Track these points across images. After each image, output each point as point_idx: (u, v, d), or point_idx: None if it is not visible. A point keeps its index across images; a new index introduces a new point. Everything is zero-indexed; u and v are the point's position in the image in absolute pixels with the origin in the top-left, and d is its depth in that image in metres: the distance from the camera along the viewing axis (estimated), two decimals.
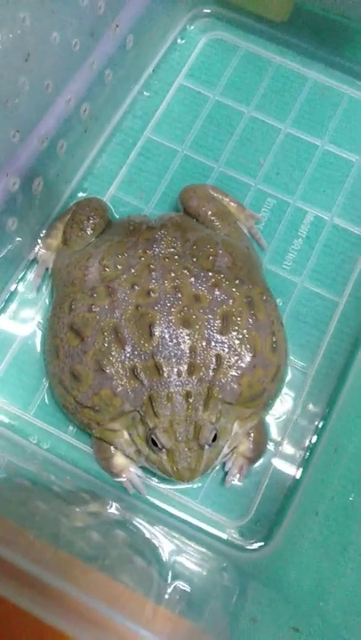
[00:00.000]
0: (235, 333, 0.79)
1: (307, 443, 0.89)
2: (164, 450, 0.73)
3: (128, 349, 0.77)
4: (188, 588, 0.73)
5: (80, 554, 0.64)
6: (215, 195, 0.95)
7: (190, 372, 0.76)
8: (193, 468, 0.73)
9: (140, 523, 0.78)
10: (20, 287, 0.95)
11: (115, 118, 1.04)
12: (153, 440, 0.74)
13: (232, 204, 0.97)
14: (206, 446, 0.74)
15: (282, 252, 0.99)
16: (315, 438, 0.89)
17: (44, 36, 0.73)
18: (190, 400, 0.75)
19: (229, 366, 0.77)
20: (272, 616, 0.76)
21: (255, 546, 0.85)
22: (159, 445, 0.73)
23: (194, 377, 0.76)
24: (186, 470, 0.73)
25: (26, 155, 0.79)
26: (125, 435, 0.79)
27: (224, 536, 0.85)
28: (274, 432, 0.89)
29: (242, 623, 0.74)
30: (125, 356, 0.77)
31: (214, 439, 0.74)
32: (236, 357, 0.78)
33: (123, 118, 1.05)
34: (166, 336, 0.77)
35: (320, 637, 0.72)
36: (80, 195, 1.00)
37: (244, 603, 0.78)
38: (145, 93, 1.07)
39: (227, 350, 0.78)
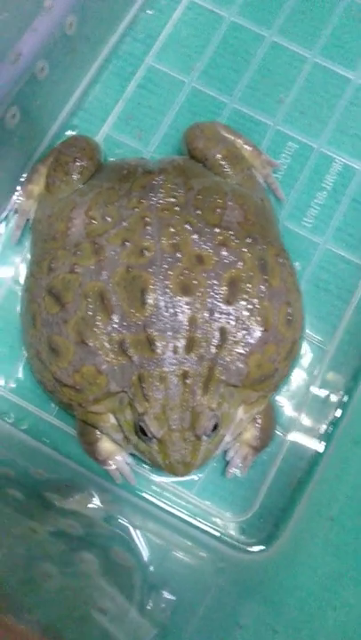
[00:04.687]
0: (243, 303, 0.66)
1: (321, 431, 0.77)
2: (154, 439, 0.62)
3: (115, 319, 0.65)
4: (173, 597, 0.64)
5: (51, 559, 0.54)
6: (226, 135, 0.80)
7: (189, 348, 0.64)
8: (188, 461, 0.62)
9: (126, 519, 0.68)
10: None
11: (111, 40, 0.87)
12: (142, 428, 0.62)
13: (246, 146, 0.81)
14: (204, 437, 0.62)
15: (303, 206, 0.84)
16: (331, 428, 0.77)
17: None
18: (187, 382, 0.63)
19: (235, 342, 0.65)
20: (272, 627, 0.67)
21: (257, 545, 0.75)
22: (149, 434, 0.62)
23: (193, 354, 0.64)
24: (179, 464, 0.62)
25: None
26: (112, 419, 0.68)
27: (222, 533, 0.75)
28: (283, 417, 0.77)
29: (237, 633, 0.65)
30: (112, 327, 0.64)
31: (214, 428, 0.63)
32: (243, 332, 0.65)
33: (120, 41, 0.89)
34: (161, 304, 0.65)
35: None
36: (68, 133, 0.85)
37: (240, 610, 0.69)
38: (148, 11, 0.90)
39: (233, 323, 0.65)
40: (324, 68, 0.89)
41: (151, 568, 0.69)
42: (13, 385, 0.78)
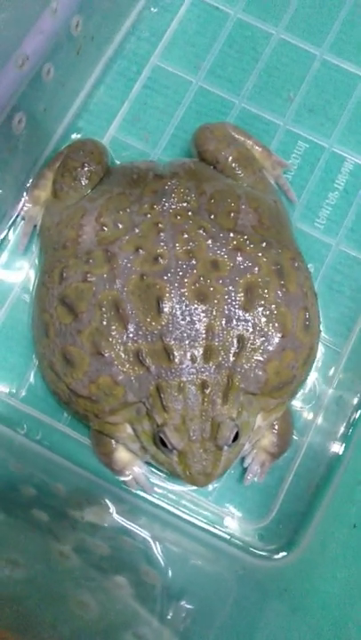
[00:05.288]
0: (261, 309, 0.65)
1: (339, 434, 0.76)
2: (174, 451, 0.61)
3: (131, 329, 0.63)
4: (192, 606, 0.64)
5: (71, 577, 0.53)
6: (237, 136, 0.79)
7: (207, 356, 0.63)
8: (209, 472, 0.61)
9: (144, 529, 0.67)
10: (4, 249, 0.80)
11: (115, 40, 0.85)
12: (161, 439, 0.61)
13: (257, 147, 0.80)
14: (225, 447, 0.61)
15: (314, 207, 0.83)
16: (349, 430, 0.76)
17: None
18: (207, 391, 0.62)
19: (254, 349, 0.64)
20: (293, 633, 0.66)
21: (276, 551, 0.74)
22: (169, 446, 0.61)
23: (211, 363, 0.63)
24: (200, 475, 0.61)
25: (1, 81, 0.62)
26: (129, 429, 0.66)
27: (241, 540, 0.74)
28: (299, 420, 0.77)
29: None
30: (128, 336, 0.63)
31: (235, 438, 0.62)
32: (262, 339, 0.64)
33: (125, 40, 0.87)
34: (178, 313, 0.63)
35: None
36: (74, 136, 0.83)
37: (261, 617, 0.68)
38: (152, 9, 0.88)
39: (251, 330, 0.64)
40: (334, 65, 0.87)
41: (170, 576, 0.68)
42: (25, 394, 0.76)
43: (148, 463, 0.71)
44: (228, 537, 0.74)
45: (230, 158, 0.75)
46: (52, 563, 0.48)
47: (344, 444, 0.76)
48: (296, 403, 0.77)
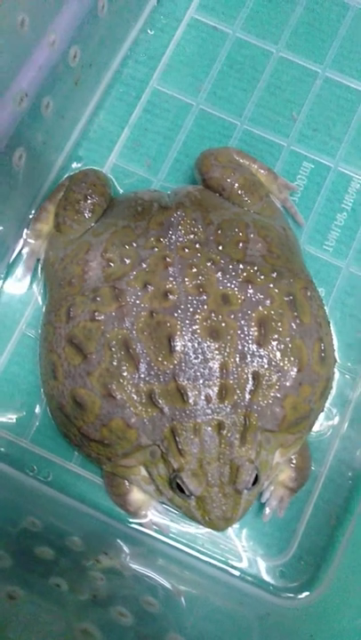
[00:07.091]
0: (275, 343, 0.63)
1: (357, 463, 0.74)
2: (192, 496, 0.59)
3: (143, 369, 0.61)
4: None
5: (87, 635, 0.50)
6: (242, 161, 0.77)
7: (222, 396, 0.60)
8: (229, 516, 0.59)
9: (160, 572, 0.65)
10: (7, 284, 0.78)
11: (113, 65, 0.83)
12: (178, 484, 0.59)
13: (262, 171, 0.78)
14: (245, 490, 0.59)
15: (323, 229, 0.81)
16: None
17: None
18: (223, 432, 0.60)
19: (270, 386, 0.62)
20: None
21: (299, 590, 0.72)
22: (186, 492, 0.59)
23: (227, 402, 0.60)
24: (220, 520, 0.59)
25: (1, 119, 0.60)
26: (143, 471, 0.64)
27: (260, 579, 0.72)
28: (317, 451, 0.74)
29: None
30: (140, 377, 0.61)
31: (255, 481, 0.60)
32: (278, 374, 0.62)
33: (122, 65, 0.85)
34: (190, 351, 0.61)
35: None
36: (74, 165, 0.82)
37: None
38: (149, 32, 0.86)
39: (266, 366, 0.62)
40: (336, 82, 0.85)
41: (190, 621, 0.66)
42: (34, 434, 0.74)
43: (162, 502, 0.69)
44: (249, 576, 0.72)
45: (236, 185, 0.73)
46: None
47: None
48: (312, 433, 0.75)
